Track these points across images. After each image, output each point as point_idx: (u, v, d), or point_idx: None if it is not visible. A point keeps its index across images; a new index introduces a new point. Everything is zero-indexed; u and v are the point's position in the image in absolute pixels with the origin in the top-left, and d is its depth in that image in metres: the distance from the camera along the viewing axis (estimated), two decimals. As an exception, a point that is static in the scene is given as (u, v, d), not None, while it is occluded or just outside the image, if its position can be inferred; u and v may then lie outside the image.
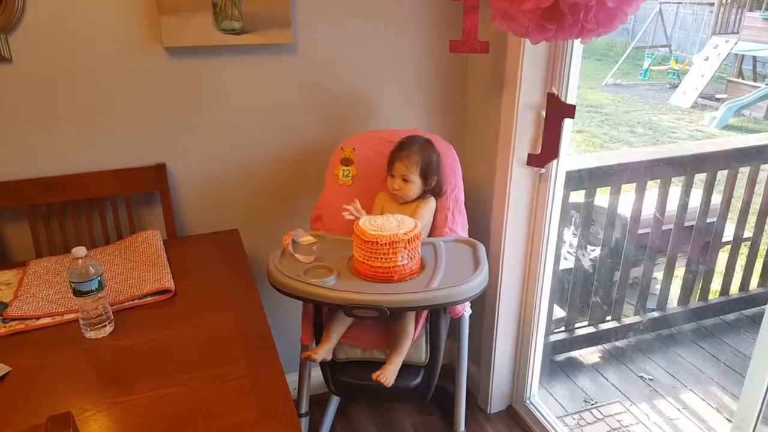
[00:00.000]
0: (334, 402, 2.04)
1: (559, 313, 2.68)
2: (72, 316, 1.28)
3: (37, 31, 1.47)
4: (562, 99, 1.62)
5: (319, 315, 1.54)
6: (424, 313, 1.49)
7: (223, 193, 1.78)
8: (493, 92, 1.77)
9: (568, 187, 2.32)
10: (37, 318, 1.30)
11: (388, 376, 1.41)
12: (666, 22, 8.60)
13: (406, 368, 1.50)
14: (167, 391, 1.08)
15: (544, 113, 1.64)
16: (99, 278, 1.21)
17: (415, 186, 1.57)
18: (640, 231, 2.58)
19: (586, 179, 2.37)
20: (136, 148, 1.64)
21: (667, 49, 8.58)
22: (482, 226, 1.93)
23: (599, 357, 2.62)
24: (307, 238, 1.54)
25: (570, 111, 1.46)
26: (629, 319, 2.70)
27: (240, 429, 1.00)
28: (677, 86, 7.10)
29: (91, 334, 1.24)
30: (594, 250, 2.74)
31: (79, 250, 1.20)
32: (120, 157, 1.63)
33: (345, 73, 1.78)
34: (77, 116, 1.57)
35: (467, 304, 1.54)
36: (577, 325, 2.64)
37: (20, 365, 1.15)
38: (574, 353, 2.63)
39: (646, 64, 7.99)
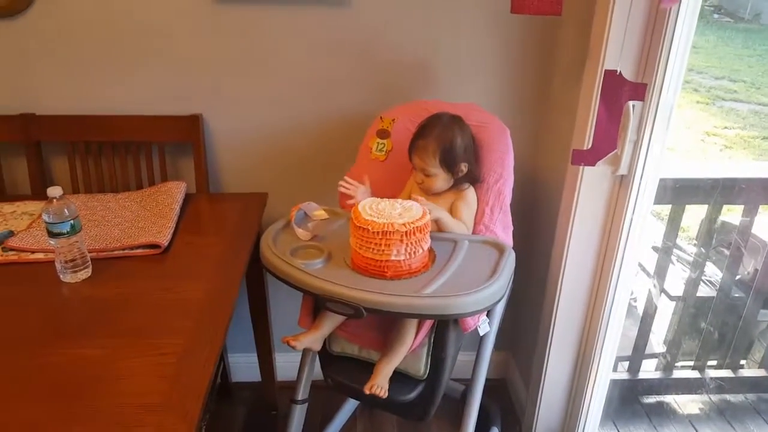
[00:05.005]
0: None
1: (658, 347, 2.25)
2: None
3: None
4: (659, 83, 1.27)
5: (321, 299, 1.39)
6: (428, 321, 1.26)
7: (261, 154, 1.68)
8: (577, 70, 1.44)
9: (681, 199, 1.90)
10: (32, 252, 1.30)
11: (381, 385, 1.22)
12: None
13: (401, 378, 1.30)
14: (94, 352, 1.01)
15: (630, 102, 1.30)
16: (72, 221, 1.17)
17: (439, 178, 1.33)
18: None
19: (711, 192, 1.91)
20: (173, 96, 1.59)
21: None
22: (548, 231, 1.62)
23: (699, 408, 2.15)
24: (319, 212, 1.39)
25: (639, 92, 1.11)
26: (750, 372, 2.19)
27: (130, 411, 0.89)
28: None
29: (67, 278, 1.21)
30: (715, 279, 2.24)
31: (54, 190, 1.16)
32: (157, 104, 1.59)
33: (405, 33, 1.56)
34: (119, 57, 1.55)
35: (482, 319, 1.28)
36: (678, 364, 2.20)
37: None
38: (669, 398, 2.19)
39: None
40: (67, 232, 1.17)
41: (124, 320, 1.10)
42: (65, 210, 1.17)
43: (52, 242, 1.18)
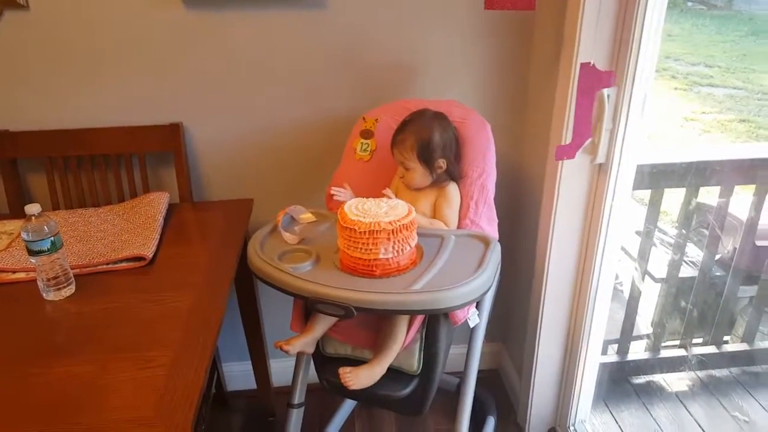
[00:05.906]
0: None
1: (644, 328, 2.29)
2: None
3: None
4: (631, 72, 1.29)
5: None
6: (419, 317, 1.27)
7: (244, 160, 1.67)
8: (553, 62, 1.45)
9: (659, 183, 1.93)
10: (14, 272, 1.28)
11: (357, 378, 1.22)
12: None
13: (396, 375, 1.31)
14: (82, 369, 0.99)
15: (605, 91, 1.32)
16: (52, 238, 1.15)
17: (417, 173, 1.34)
18: (759, 243, 2.09)
19: (686, 175, 1.94)
20: (152, 105, 1.57)
21: None
22: (532, 222, 1.64)
23: (687, 385, 2.19)
24: (306, 216, 1.39)
25: (606, 80, 1.13)
26: (733, 346, 2.23)
27: (120, 427, 0.88)
28: None
29: (50, 296, 1.19)
30: (697, 260, 2.28)
31: (32, 207, 1.14)
32: (135, 114, 1.57)
33: (382, 33, 1.56)
34: (93, 68, 1.53)
35: (472, 311, 1.29)
36: (665, 344, 2.24)
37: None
38: (658, 377, 2.23)
39: None
40: (48, 250, 1.15)
41: (111, 335, 1.09)
42: (44, 227, 1.15)
43: (32, 260, 1.17)
